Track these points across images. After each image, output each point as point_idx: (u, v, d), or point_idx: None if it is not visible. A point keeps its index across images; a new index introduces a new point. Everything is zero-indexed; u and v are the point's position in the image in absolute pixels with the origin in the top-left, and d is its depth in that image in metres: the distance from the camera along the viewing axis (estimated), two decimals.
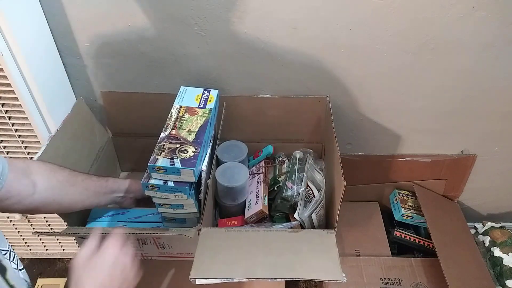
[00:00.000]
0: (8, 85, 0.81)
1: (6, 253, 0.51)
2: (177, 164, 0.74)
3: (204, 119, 0.85)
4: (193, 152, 0.77)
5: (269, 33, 0.89)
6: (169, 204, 0.80)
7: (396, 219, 1.17)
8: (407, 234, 1.14)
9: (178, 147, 0.78)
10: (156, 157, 0.75)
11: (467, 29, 0.86)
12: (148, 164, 0.75)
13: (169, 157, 0.75)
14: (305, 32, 0.88)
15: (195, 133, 0.81)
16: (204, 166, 0.81)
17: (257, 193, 0.94)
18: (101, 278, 0.53)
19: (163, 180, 0.76)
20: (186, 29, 0.89)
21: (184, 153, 0.77)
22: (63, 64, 0.96)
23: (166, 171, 0.75)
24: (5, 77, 0.79)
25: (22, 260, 1.33)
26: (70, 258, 1.35)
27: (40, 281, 1.26)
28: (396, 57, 0.92)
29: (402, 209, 1.15)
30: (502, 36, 0.87)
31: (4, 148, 0.94)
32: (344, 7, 0.84)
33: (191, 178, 0.75)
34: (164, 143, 0.79)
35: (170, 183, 0.76)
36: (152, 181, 0.76)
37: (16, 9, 0.77)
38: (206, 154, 0.85)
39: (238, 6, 0.84)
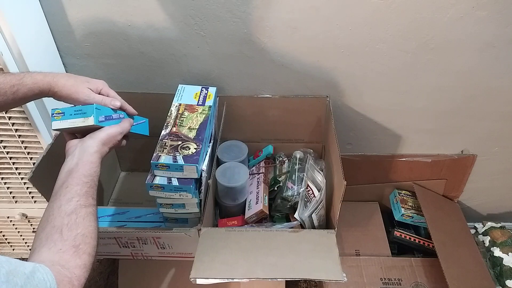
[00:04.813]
0: None
1: None
2: (180, 160, 0.74)
3: (204, 116, 0.85)
4: (195, 148, 0.77)
5: (269, 33, 0.89)
6: (170, 204, 0.80)
7: (396, 219, 1.17)
8: (407, 234, 1.14)
9: (180, 144, 0.78)
10: (159, 154, 0.76)
11: (467, 29, 0.86)
12: (151, 161, 0.75)
13: (172, 154, 0.76)
14: (305, 32, 0.88)
15: (196, 130, 0.82)
16: (204, 166, 0.81)
17: (257, 193, 0.94)
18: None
19: (167, 177, 0.76)
20: (186, 29, 0.89)
21: (186, 150, 0.77)
22: (63, 64, 0.96)
23: (169, 168, 0.75)
24: None
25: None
26: None
27: None
28: (396, 57, 0.92)
29: (402, 209, 1.15)
30: (502, 36, 0.87)
31: (4, 148, 0.94)
32: (344, 7, 0.84)
33: (194, 174, 0.76)
34: (166, 140, 0.79)
35: (175, 182, 0.76)
36: (156, 181, 0.76)
37: (16, 9, 0.77)
38: (207, 151, 0.85)
39: (238, 6, 0.84)
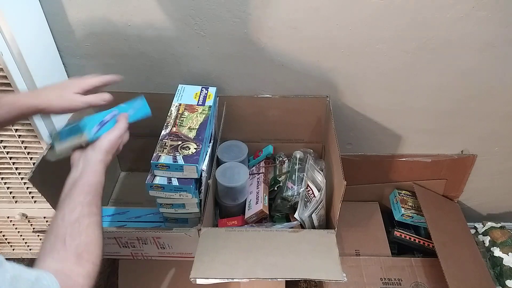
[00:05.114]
0: (8, 85, 0.81)
1: None
2: (180, 160, 0.75)
3: (204, 116, 0.85)
4: (195, 148, 0.77)
5: (269, 33, 0.89)
6: (170, 204, 0.80)
7: (396, 219, 1.17)
8: (407, 234, 1.14)
9: (180, 144, 0.78)
10: (159, 154, 0.76)
11: (467, 29, 0.86)
12: (151, 161, 0.75)
13: (172, 154, 0.76)
14: (305, 32, 0.88)
15: (196, 130, 0.82)
16: (204, 166, 0.81)
17: (257, 193, 0.94)
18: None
19: (167, 177, 0.76)
20: (186, 29, 0.89)
21: (186, 150, 0.77)
22: (63, 64, 0.96)
23: (169, 168, 0.75)
24: (5, 77, 0.79)
25: (22, 260, 1.33)
26: None
27: None
28: (396, 57, 0.92)
29: (402, 209, 1.15)
30: (502, 36, 0.87)
31: (4, 148, 0.94)
32: (344, 7, 0.84)
33: (194, 174, 0.76)
34: (166, 140, 0.79)
35: (175, 182, 0.76)
36: (156, 181, 0.76)
37: (16, 9, 0.77)
38: (207, 151, 0.86)
39: (238, 6, 0.84)
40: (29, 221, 1.14)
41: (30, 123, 0.89)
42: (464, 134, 1.10)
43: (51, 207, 0.83)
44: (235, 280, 0.72)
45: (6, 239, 1.23)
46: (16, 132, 0.91)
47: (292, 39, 0.90)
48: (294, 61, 0.94)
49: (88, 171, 0.59)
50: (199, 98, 0.90)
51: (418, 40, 0.89)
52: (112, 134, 0.64)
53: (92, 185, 0.57)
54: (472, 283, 0.99)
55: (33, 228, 1.16)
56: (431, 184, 1.20)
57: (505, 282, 1.06)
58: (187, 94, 0.91)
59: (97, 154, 0.61)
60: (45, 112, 0.63)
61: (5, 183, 1.02)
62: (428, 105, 1.03)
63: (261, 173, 1.01)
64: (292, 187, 0.92)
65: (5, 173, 1.00)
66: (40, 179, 0.78)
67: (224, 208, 0.95)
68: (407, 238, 1.14)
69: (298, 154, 1.02)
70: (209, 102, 0.89)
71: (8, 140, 0.93)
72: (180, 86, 0.93)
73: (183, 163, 0.74)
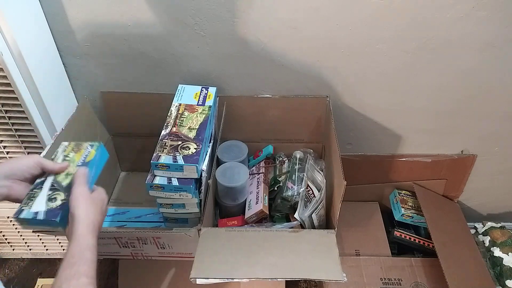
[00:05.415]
0: (8, 85, 0.81)
1: None
2: (180, 160, 0.75)
3: (204, 116, 0.85)
4: (195, 148, 0.77)
5: (269, 33, 0.89)
6: (170, 204, 0.80)
7: (396, 219, 1.17)
8: (407, 234, 1.14)
9: (180, 144, 0.78)
10: (159, 154, 0.76)
11: (467, 29, 0.86)
12: (151, 161, 0.75)
13: (172, 154, 0.76)
14: (305, 32, 0.88)
15: (196, 130, 0.82)
16: (204, 166, 0.81)
17: (257, 193, 0.94)
18: (94, 215, 0.58)
19: (167, 177, 0.76)
20: (186, 29, 0.89)
21: (186, 150, 0.77)
22: (63, 64, 0.96)
23: (169, 168, 0.75)
24: (5, 77, 0.79)
25: (22, 260, 1.33)
26: None
27: (40, 281, 1.26)
28: (396, 57, 0.92)
29: (402, 209, 1.15)
30: (502, 36, 0.87)
31: (4, 148, 0.94)
32: (344, 7, 0.84)
33: (194, 174, 0.76)
34: (166, 140, 0.79)
35: (175, 182, 0.76)
36: (156, 181, 0.76)
37: (16, 9, 0.77)
38: (207, 151, 0.86)
39: (238, 6, 0.84)
40: None
41: (30, 123, 0.89)
42: (464, 134, 1.10)
43: None
44: (235, 280, 0.72)
45: (6, 239, 1.23)
46: (16, 132, 0.91)
47: (292, 39, 0.90)
48: (294, 61, 0.94)
49: (71, 242, 0.55)
50: (199, 98, 0.90)
51: (418, 40, 0.89)
52: (77, 189, 0.58)
53: (75, 255, 0.53)
54: (472, 283, 0.99)
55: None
56: (431, 184, 1.20)
57: (505, 282, 1.06)
58: (187, 94, 0.91)
59: (77, 222, 0.56)
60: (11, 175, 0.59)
61: None
62: (428, 105, 1.03)
63: (261, 173, 1.01)
64: (292, 187, 0.92)
65: None
66: None
67: (224, 208, 0.95)
68: (407, 238, 1.14)
69: (298, 154, 1.02)
70: (209, 102, 0.89)
71: (8, 140, 0.93)
72: (180, 86, 0.93)
73: (183, 163, 0.74)
